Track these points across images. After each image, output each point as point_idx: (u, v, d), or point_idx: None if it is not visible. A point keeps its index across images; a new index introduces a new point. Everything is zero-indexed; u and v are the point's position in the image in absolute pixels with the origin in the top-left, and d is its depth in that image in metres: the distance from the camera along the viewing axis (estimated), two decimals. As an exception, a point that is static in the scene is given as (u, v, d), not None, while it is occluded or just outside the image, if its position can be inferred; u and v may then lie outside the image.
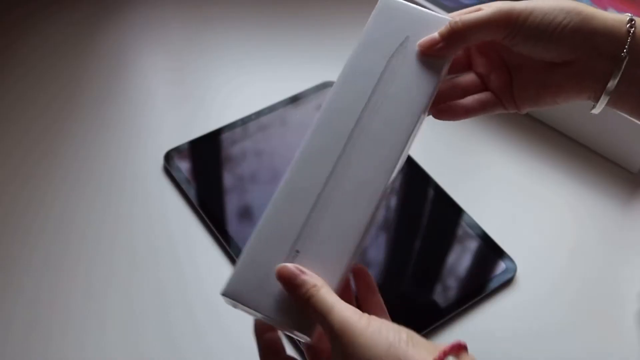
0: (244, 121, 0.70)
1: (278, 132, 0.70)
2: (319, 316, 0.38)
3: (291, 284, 0.39)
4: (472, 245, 0.62)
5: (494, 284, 0.60)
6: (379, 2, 0.48)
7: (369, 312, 0.39)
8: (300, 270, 0.40)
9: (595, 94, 0.46)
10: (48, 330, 0.55)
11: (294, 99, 0.73)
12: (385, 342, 0.36)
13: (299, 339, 0.42)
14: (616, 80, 0.45)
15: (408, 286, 0.60)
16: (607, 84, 0.45)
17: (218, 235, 0.61)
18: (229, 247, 0.60)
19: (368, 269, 0.46)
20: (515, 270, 0.60)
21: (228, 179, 0.66)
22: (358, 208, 0.42)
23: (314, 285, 0.39)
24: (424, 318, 0.57)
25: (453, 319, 0.58)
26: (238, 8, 0.83)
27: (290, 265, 0.40)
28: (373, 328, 0.37)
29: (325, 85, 0.74)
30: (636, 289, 0.60)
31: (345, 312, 0.37)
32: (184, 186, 0.65)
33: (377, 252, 0.61)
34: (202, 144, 0.68)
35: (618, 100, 0.46)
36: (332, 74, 0.72)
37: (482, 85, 0.50)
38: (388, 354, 0.36)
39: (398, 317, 0.55)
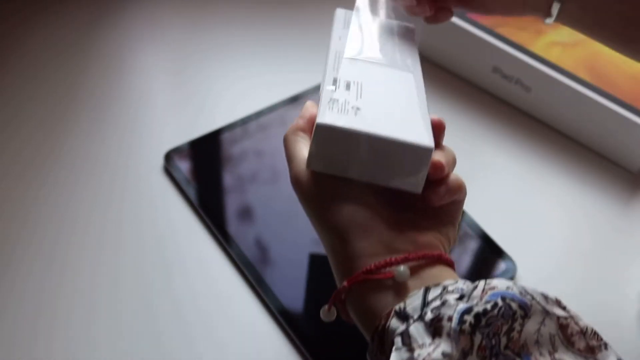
0: (244, 121, 0.70)
1: (278, 132, 0.70)
2: None
3: None
4: (472, 245, 0.62)
5: (493, 284, 0.60)
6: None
7: None
8: None
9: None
10: (49, 329, 0.55)
11: (294, 99, 0.73)
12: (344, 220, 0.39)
13: None
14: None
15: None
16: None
17: (218, 235, 0.61)
18: (229, 247, 0.60)
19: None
20: (515, 270, 0.60)
21: (228, 179, 0.66)
22: None
23: None
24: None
25: (453, 319, 0.58)
26: (239, 8, 0.83)
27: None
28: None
29: (325, 85, 0.74)
30: (636, 290, 0.60)
31: None
32: (184, 186, 0.65)
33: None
34: (202, 144, 0.68)
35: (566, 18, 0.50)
36: (332, 74, 0.73)
37: None
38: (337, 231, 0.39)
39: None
